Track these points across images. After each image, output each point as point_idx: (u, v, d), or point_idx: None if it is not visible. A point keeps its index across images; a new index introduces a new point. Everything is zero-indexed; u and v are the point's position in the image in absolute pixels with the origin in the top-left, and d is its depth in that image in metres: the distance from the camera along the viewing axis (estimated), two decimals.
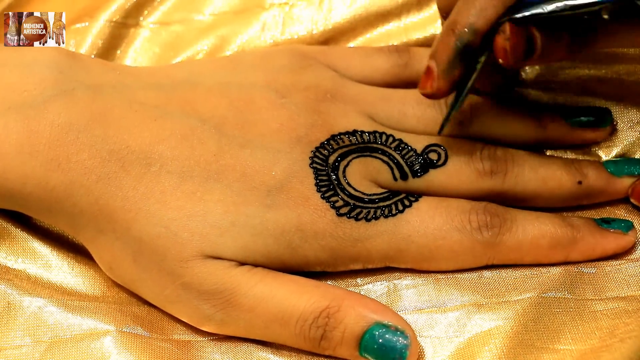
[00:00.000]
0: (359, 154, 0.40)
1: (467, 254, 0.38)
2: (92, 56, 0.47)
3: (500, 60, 0.36)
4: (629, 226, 0.40)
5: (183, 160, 0.37)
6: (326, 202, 0.38)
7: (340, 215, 0.37)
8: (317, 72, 0.43)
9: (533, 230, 0.38)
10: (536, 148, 0.44)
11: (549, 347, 0.36)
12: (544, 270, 0.39)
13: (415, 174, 0.40)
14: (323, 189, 0.38)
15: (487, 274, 0.39)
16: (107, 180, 0.37)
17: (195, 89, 0.41)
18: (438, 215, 0.38)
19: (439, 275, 0.39)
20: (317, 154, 0.39)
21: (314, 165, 0.38)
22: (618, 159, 0.43)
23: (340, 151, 0.39)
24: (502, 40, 0.35)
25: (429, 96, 0.39)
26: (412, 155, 0.40)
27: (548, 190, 0.41)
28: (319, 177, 0.38)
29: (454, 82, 0.38)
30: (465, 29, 0.36)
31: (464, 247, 0.38)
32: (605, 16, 0.35)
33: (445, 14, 0.39)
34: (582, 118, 0.43)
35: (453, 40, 0.36)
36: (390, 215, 0.38)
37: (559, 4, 0.35)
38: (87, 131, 0.37)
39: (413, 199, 0.39)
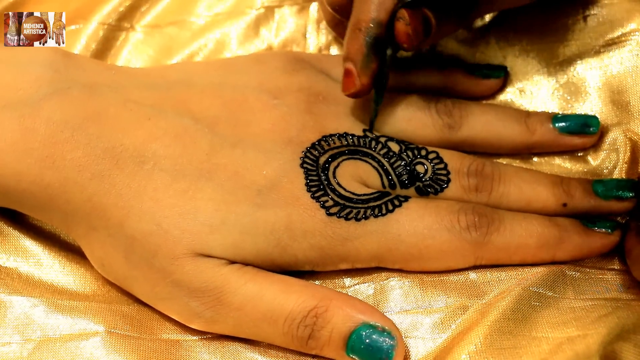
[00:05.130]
0: (350, 156, 0.42)
1: (455, 254, 0.40)
2: None
3: (405, 45, 0.40)
4: (613, 226, 0.42)
5: (176, 159, 0.39)
6: (316, 201, 0.39)
7: (330, 214, 0.39)
8: (310, 74, 0.45)
9: (520, 230, 0.40)
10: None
11: (525, 335, 0.37)
12: (528, 270, 0.41)
13: (403, 185, 0.42)
14: (313, 189, 0.40)
15: (472, 275, 0.41)
16: (100, 177, 0.38)
17: (189, 89, 0.42)
18: (427, 215, 0.40)
19: (425, 277, 0.41)
20: (307, 154, 0.41)
21: (305, 165, 0.40)
22: (607, 179, 0.44)
23: (330, 152, 0.41)
24: (403, 26, 0.39)
25: (355, 95, 0.42)
26: (400, 165, 0.42)
27: (532, 211, 0.42)
28: (309, 177, 0.40)
29: (374, 76, 0.42)
30: (371, 24, 0.40)
31: (452, 246, 0.40)
32: None
33: (337, 7, 0.44)
34: (570, 124, 0.45)
35: (362, 37, 0.41)
36: (380, 215, 0.40)
37: None
38: (82, 129, 0.39)
39: (403, 199, 0.40)
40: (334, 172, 0.41)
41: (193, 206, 0.38)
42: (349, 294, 0.41)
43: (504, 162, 0.46)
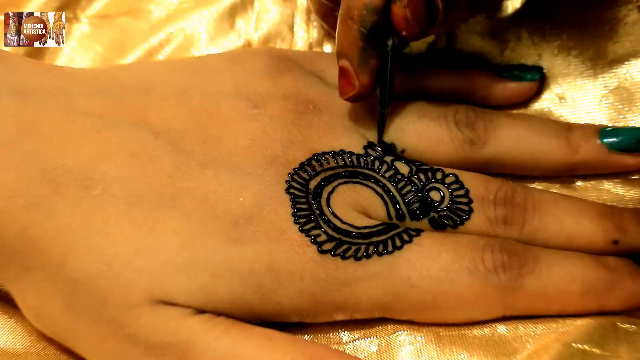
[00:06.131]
0: (347, 180, 0.41)
1: (479, 302, 0.39)
2: None
3: (404, 33, 0.39)
4: None
5: (131, 182, 0.38)
6: (305, 236, 0.39)
7: (323, 252, 0.39)
8: (298, 78, 0.44)
9: (560, 272, 0.39)
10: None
11: None
12: (570, 323, 0.40)
13: (414, 216, 0.41)
14: (302, 220, 0.39)
15: (501, 329, 0.40)
16: (37, 205, 0.37)
17: (147, 96, 0.42)
18: (444, 252, 0.39)
19: (442, 331, 0.40)
20: (295, 177, 0.40)
21: (292, 190, 0.40)
22: None
23: (323, 174, 0.41)
24: (400, 9, 0.39)
25: (354, 99, 0.42)
26: (410, 191, 0.42)
27: (575, 249, 0.42)
28: (297, 206, 0.39)
29: (375, 73, 0.41)
30: (364, 11, 0.39)
31: (475, 292, 0.39)
32: None
33: None
34: (622, 140, 0.45)
35: (356, 27, 0.40)
36: (385, 253, 0.39)
37: None
38: (14, 145, 0.38)
39: (414, 233, 0.40)
40: (327, 200, 0.40)
41: (152, 242, 0.37)
42: (347, 351, 0.40)
43: (540, 188, 0.46)
